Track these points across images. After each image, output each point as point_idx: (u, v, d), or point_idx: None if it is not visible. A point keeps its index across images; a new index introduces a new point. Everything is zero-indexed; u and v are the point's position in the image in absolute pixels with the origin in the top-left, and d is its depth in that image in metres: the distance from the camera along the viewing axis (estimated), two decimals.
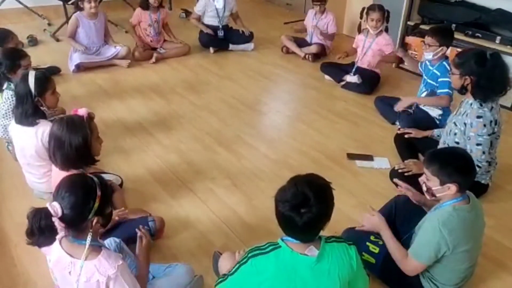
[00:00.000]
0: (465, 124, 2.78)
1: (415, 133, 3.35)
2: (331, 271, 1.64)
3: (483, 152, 2.75)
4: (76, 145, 2.18)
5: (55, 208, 1.59)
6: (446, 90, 3.53)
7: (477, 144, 2.75)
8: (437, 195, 2.08)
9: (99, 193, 1.65)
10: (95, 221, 1.65)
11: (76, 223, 1.65)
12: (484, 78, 2.67)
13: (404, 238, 2.26)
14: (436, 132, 3.30)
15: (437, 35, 3.51)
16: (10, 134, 2.84)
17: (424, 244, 2.03)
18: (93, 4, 4.58)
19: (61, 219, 1.60)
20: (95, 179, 1.70)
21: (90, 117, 2.27)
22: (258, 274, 1.63)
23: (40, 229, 1.60)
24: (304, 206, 1.54)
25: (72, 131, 2.18)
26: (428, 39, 3.55)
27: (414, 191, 2.38)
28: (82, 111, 2.25)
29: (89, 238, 1.65)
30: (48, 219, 1.60)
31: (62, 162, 2.21)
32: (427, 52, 3.59)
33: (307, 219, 1.54)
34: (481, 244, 2.22)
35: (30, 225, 1.60)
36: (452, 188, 2.00)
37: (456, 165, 2.01)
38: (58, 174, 2.19)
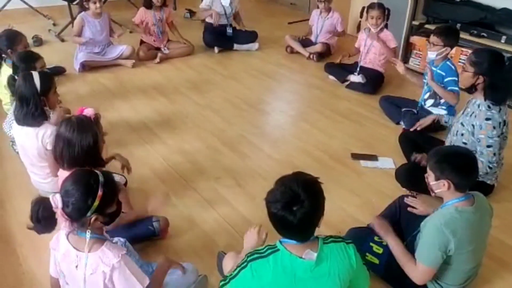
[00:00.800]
0: (473, 125, 2.77)
1: (421, 122, 3.31)
2: (331, 272, 1.64)
3: (494, 154, 2.74)
4: (86, 147, 2.18)
5: (56, 200, 1.64)
6: (456, 88, 3.50)
7: (488, 146, 2.73)
8: (435, 191, 2.08)
9: (100, 192, 1.66)
10: (93, 219, 1.67)
11: (75, 218, 1.67)
12: (499, 81, 2.66)
13: (409, 239, 2.25)
14: (445, 118, 3.28)
15: (442, 35, 3.50)
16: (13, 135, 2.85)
17: (429, 247, 2.01)
18: (98, 4, 4.63)
19: (64, 211, 1.64)
20: (101, 178, 1.70)
21: (97, 117, 2.29)
22: (258, 279, 1.62)
23: (37, 219, 1.65)
24: (295, 203, 1.54)
25: (83, 132, 2.18)
26: (433, 38, 3.54)
27: (421, 207, 2.39)
28: (89, 112, 2.25)
29: (88, 233, 1.67)
30: (46, 210, 1.64)
31: (70, 163, 2.20)
32: (431, 51, 3.58)
33: (301, 215, 1.53)
34: (486, 245, 2.21)
35: (32, 212, 1.65)
36: (446, 185, 1.99)
37: (451, 163, 2.00)
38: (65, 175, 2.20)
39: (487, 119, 2.70)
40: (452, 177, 1.99)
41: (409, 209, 2.42)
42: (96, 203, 1.65)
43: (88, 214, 1.65)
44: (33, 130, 2.64)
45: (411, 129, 3.38)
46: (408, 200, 2.46)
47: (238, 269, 1.68)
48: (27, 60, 3.16)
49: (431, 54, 3.58)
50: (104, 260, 1.68)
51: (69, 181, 1.68)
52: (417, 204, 2.42)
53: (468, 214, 2.00)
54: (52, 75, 2.87)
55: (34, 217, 1.65)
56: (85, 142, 2.17)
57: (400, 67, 3.87)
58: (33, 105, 2.62)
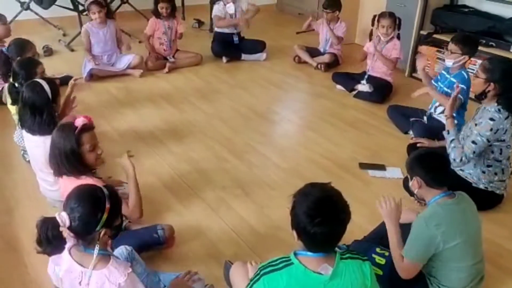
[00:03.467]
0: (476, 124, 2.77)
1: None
2: None
3: (474, 152, 2.73)
4: (66, 153, 2.23)
5: (63, 218, 1.61)
6: (462, 96, 3.48)
7: (473, 142, 2.73)
8: (414, 191, 2.17)
9: (108, 205, 1.65)
10: (102, 233, 1.66)
11: (83, 234, 1.65)
12: (511, 90, 2.67)
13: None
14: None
15: (461, 43, 3.48)
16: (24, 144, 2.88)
17: (413, 242, 2.06)
18: (97, 15, 4.73)
19: (70, 229, 1.62)
20: (105, 190, 1.70)
21: (89, 127, 2.28)
22: None
23: (47, 239, 1.61)
24: (336, 211, 1.56)
25: (65, 138, 2.23)
26: (451, 46, 3.52)
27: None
28: (79, 121, 2.26)
29: (96, 249, 1.66)
30: (55, 229, 1.61)
31: (56, 169, 2.26)
32: (448, 59, 3.56)
33: (338, 228, 1.57)
34: (480, 242, 2.19)
35: (38, 234, 1.62)
36: (415, 183, 2.10)
37: (417, 161, 2.13)
38: (68, 183, 2.21)
39: (491, 119, 2.70)
40: (419, 173, 2.09)
41: (418, 144, 2.76)
42: (105, 216, 1.64)
43: (98, 228, 1.64)
44: (40, 138, 2.66)
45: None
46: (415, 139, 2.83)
47: (251, 283, 1.66)
48: (28, 67, 3.19)
49: (448, 62, 3.56)
50: (111, 279, 1.66)
51: (74, 197, 1.66)
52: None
53: (449, 205, 2.06)
54: (55, 80, 2.89)
55: (43, 238, 1.61)
56: (65, 148, 2.22)
57: (420, 63, 3.95)
58: (47, 114, 2.65)
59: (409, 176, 2.19)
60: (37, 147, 2.68)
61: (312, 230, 1.53)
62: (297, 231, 1.59)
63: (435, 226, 2.00)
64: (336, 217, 1.55)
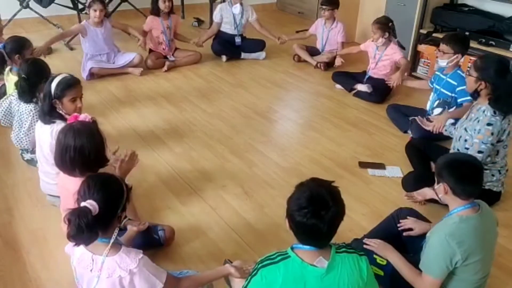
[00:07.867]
0: (474, 130, 2.76)
1: (434, 126, 3.27)
2: (340, 282, 1.62)
3: (481, 159, 2.71)
4: (96, 149, 2.20)
5: (93, 205, 1.62)
6: (469, 98, 3.48)
7: (479, 152, 2.72)
8: (439, 195, 2.07)
9: (125, 188, 1.76)
10: (123, 216, 1.74)
11: (107, 219, 1.69)
12: (502, 91, 2.65)
13: (417, 249, 2.23)
14: (446, 126, 3.25)
15: (451, 42, 3.51)
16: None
17: (434, 258, 1.99)
18: (98, 13, 4.66)
19: (97, 215, 1.65)
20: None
21: (93, 120, 2.31)
22: (268, 285, 1.62)
23: (88, 227, 1.60)
24: (324, 208, 1.54)
25: (91, 135, 2.19)
26: (443, 46, 3.54)
27: (414, 226, 2.36)
28: (86, 117, 2.26)
29: (115, 233, 1.72)
30: (87, 218, 1.60)
31: (83, 169, 2.19)
32: (441, 60, 3.58)
33: (328, 221, 1.54)
34: (494, 254, 2.18)
35: (76, 225, 1.59)
36: (441, 189, 1.99)
37: (450, 168, 2.00)
38: (67, 181, 2.21)
39: (488, 124, 2.69)
40: (448, 181, 1.98)
41: (405, 233, 2.37)
42: (125, 198, 1.74)
43: (119, 211, 1.71)
44: (48, 128, 2.68)
45: (429, 128, 3.31)
46: (402, 224, 2.41)
47: (249, 277, 1.68)
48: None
49: (442, 62, 3.59)
50: (122, 265, 1.70)
51: (97, 185, 1.69)
52: (411, 225, 2.38)
53: (473, 221, 1.98)
54: (73, 84, 2.83)
55: (84, 226, 1.58)
56: (94, 144, 2.18)
57: (397, 82, 4.26)
58: (45, 103, 2.71)
59: (436, 179, 2.06)
60: (44, 136, 2.71)
61: (297, 218, 1.57)
62: (287, 217, 1.64)
63: (457, 243, 1.92)
64: (321, 214, 1.54)
